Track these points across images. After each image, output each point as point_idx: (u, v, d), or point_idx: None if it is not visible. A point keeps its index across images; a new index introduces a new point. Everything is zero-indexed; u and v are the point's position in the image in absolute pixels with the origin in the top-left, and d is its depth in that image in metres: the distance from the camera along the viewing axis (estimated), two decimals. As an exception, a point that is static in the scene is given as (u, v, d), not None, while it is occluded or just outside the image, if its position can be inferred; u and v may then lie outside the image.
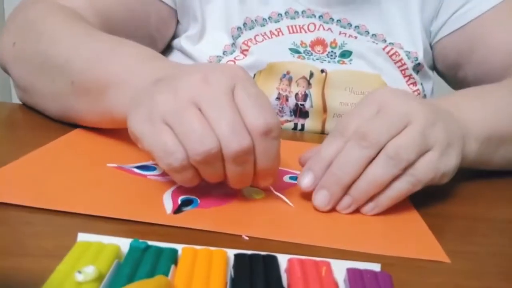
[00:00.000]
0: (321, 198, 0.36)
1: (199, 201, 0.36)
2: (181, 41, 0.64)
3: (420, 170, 0.36)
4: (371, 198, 0.36)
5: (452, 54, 0.66)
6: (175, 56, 0.66)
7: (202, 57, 0.61)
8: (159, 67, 0.39)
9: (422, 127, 0.36)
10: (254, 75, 0.60)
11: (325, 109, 0.61)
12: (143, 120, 0.34)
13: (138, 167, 0.41)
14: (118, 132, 0.47)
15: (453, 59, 0.67)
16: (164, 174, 0.40)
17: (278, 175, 0.41)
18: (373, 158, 0.35)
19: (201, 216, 0.34)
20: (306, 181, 0.37)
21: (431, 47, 0.68)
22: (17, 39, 0.52)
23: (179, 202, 0.36)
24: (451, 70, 0.69)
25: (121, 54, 0.43)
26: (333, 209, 0.37)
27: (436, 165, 0.36)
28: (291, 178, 0.43)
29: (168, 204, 0.35)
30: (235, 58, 0.61)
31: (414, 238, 0.35)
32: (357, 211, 0.37)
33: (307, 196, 0.38)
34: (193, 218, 0.34)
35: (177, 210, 0.34)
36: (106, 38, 0.47)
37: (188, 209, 0.35)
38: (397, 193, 0.36)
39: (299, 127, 0.62)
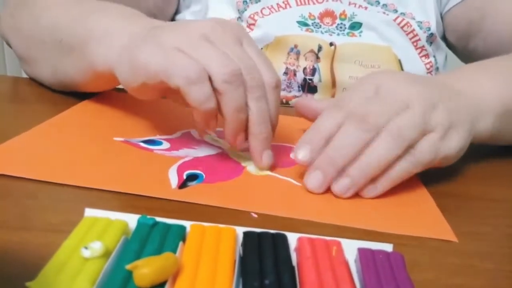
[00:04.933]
0: (314, 180, 0.35)
1: (204, 176, 0.36)
2: (186, 17, 0.63)
3: (420, 151, 0.35)
4: (370, 181, 0.35)
5: (463, 24, 0.65)
6: None
7: None
8: (147, 22, 0.40)
9: (422, 110, 0.35)
10: (261, 49, 0.59)
11: (334, 84, 0.60)
12: (153, 53, 0.34)
13: (144, 141, 0.41)
14: (126, 106, 0.46)
15: (464, 28, 0.65)
16: (170, 149, 0.39)
17: (284, 151, 0.41)
18: (369, 142, 0.34)
19: (206, 191, 0.34)
20: (302, 155, 0.35)
21: (442, 17, 0.66)
22: (14, 10, 0.52)
23: (185, 177, 0.35)
24: (461, 41, 0.67)
25: (106, 11, 0.44)
26: None
27: (436, 146, 0.36)
28: None
29: (173, 178, 0.35)
30: None
31: (422, 216, 0.34)
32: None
33: None
34: (198, 193, 0.33)
35: (182, 185, 0.34)
36: (95, 1, 0.47)
37: (193, 184, 0.35)
38: (398, 174, 0.35)
39: None
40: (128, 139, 0.40)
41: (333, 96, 0.61)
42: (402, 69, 0.60)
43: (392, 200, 0.36)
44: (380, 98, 0.36)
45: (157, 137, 0.42)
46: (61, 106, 0.47)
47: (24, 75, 0.58)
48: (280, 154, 0.40)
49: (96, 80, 0.45)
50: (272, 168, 0.38)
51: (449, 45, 0.70)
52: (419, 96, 0.36)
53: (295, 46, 0.59)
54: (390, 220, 0.33)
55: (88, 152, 0.37)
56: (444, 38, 0.68)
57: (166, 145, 0.40)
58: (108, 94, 0.51)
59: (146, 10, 0.61)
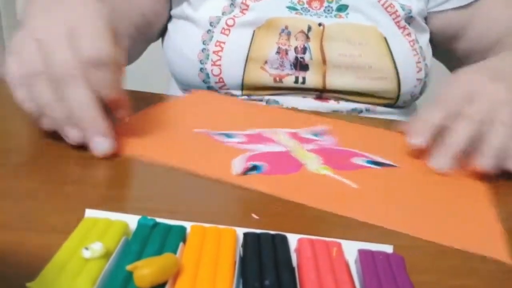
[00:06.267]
0: (439, 163, 0.42)
1: (265, 168, 0.38)
2: (183, 8, 0.65)
3: None
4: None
5: (454, 27, 0.69)
6: (176, 23, 0.66)
7: (203, 20, 0.62)
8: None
9: None
10: (254, 31, 0.61)
11: (324, 61, 0.62)
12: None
13: (220, 134, 0.44)
14: (214, 103, 0.54)
15: (453, 31, 0.70)
16: (242, 142, 0.43)
17: (346, 155, 0.43)
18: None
19: (263, 181, 0.36)
20: (418, 141, 0.43)
21: (428, 13, 0.69)
22: None
23: (247, 166, 0.38)
24: (448, 41, 0.71)
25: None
26: (398, 191, 0.38)
27: None
28: (368, 162, 0.43)
29: (237, 166, 0.38)
30: (234, 16, 0.61)
31: (478, 230, 0.34)
32: (425, 194, 0.38)
33: (371, 179, 0.39)
34: (255, 181, 0.36)
35: (243, 173, 0.37)
36: None
37: (252, 173, 0.37)
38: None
39: (300, 80, 0.62)
40: (207, 130, 0.45)
41: (324, 73, 0.63)
42: (388, 46, 0.63)
43: (449, 207, 0.36)
44: (479, 99, 0.43)
45: (232, 132, 0.45)
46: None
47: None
48: (341, 157, 0.42)
49: None
50: (332, 169, 0.40)
51: (435, 46, 0.72)
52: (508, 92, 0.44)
53: (286, 27, 0.61)
54: (440, 228, 0.33)
55: (171, 139, 0.42)
56: (431, 39, 0.71)
57: (239, 138, 0.44)
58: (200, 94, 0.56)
59: (139, 11, 0.62)
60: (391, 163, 0.43)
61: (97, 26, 0.36)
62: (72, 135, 0.36)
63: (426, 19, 0.70)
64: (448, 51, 0.73)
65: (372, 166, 0.42)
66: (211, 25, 0.61)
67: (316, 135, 0.47)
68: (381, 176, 0.40)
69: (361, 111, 0.64)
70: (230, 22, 0.60)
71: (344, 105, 0.63)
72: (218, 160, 0.39)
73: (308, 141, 0.45)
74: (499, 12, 0.68)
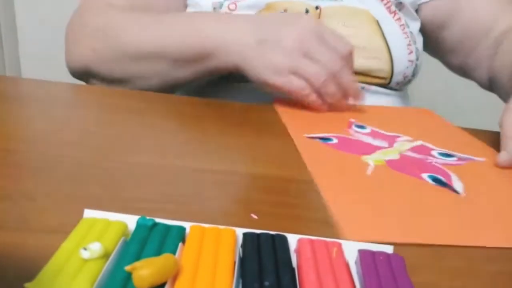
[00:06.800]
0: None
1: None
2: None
3: None
4: None
5: (440, 15, 0.74)
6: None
7: (206, 5, 0.64)
8: (239, 18, 0.56)
9: None
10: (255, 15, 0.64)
11: None
12: (281, 58, 0.52)
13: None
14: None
15: (440, 19, 0.74)
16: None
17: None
18: None
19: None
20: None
21: (418, 4, 0.74)
22: (97, 44, 0.59)
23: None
24: (435, 29, 0.75)
25: (199, 19, 0.56)
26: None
27: None
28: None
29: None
30: (236, 0, 0.64)
31: None
32: None
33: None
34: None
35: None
36: (172, 14, 0.59)
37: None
38: None
39: None
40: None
41: None
42: (381, 29, 0.67)
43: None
44: None
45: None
46: (61, 106, 0.46)
47: (24, 76, 0.58)
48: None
49: (202, 78, 0.59)
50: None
51: (424, 36, 0.76)
52: None
53: (285, 10, 0.64)
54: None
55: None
56: (420, 28, 0.74)
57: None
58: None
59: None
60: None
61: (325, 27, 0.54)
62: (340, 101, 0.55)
63: (417, 11, 0.74)
64: (438, 42, 0.77)
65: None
66: (214, 10, 0.63)
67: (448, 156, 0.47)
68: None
69: None
70: (232, 6, 0.63)
71: None
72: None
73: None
74: (485, 0, 0.72)
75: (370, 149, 0.46)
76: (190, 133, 0.46)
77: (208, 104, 0.55)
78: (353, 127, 0.52)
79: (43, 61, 0.59)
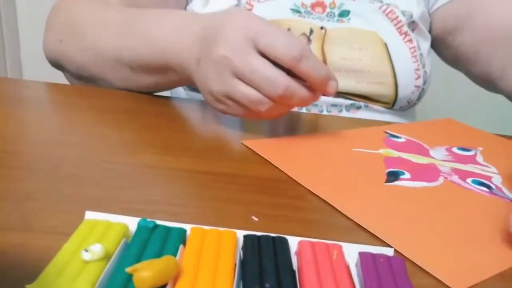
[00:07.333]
0: None
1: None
2: (192, 7, 0.66)
3: None
4: None
5: (451, 20, 0.70)
6: None
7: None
8: (192, 34, 0.47)
9: None
10: None
11: (325, 64, 0.63)
12: (214, 80, 0.44)
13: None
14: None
15: (452, 25, 0.70)
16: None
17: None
18: None
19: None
20: None
21: (430, 14, 0.71)
22: (64, 36, 0.57)
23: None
24: (449, 36, 0.72)
25: (160, 30, 0.50)
26: None
27: None
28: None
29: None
30: None
31: None
32: None
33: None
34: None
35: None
36: (144, 16, 0.53)
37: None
38: None
39: None
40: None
41: None
42: (388, 52, 0.64)
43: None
44: None
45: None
46: (62, 107, 0.47)
47: (25, 77, 0.58)
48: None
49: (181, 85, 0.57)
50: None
51: (435, 43, 0.74)
52: None
53: (288, 29, 0.63)
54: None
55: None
56: (431, 35, 0.72)
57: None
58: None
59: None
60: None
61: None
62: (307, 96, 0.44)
63: (430, 24, 0.71)
64: (454, 51, 0.73)
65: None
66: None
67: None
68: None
69: (359, 107, 0.64)
70: None
71: (343, 101, 0.64)
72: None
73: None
74: (499, 5, 0.68)
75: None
76: (193, 134, 0.47)
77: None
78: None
79: (44, 62, 0.59)
